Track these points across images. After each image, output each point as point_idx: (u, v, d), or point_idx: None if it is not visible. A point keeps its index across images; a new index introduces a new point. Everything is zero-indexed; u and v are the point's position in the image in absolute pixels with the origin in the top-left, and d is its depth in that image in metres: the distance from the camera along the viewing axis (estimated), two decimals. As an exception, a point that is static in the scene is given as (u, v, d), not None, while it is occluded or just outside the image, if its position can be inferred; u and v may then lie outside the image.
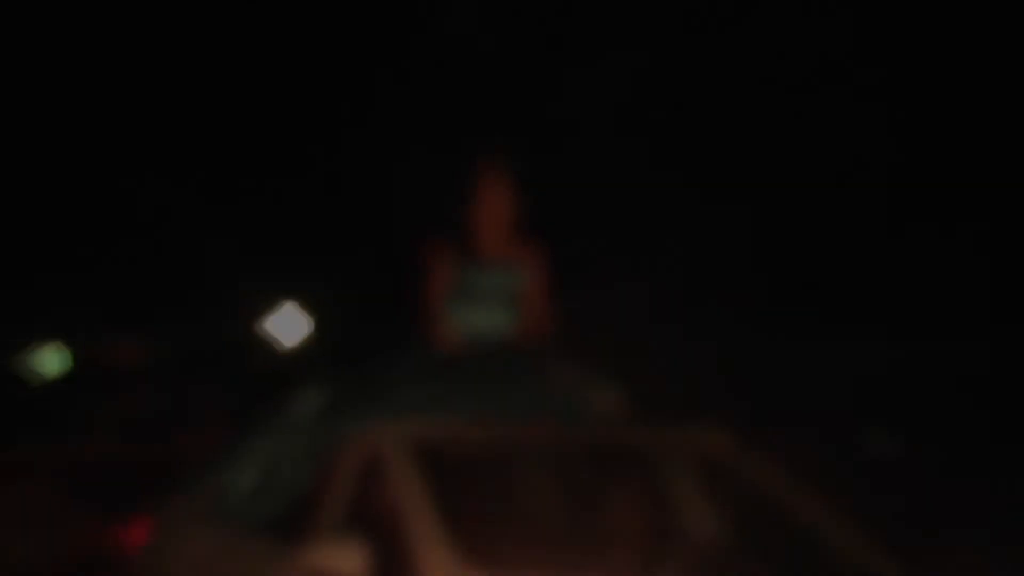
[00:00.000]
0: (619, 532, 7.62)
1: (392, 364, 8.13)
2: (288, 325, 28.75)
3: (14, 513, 16.71)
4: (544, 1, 22.12)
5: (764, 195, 19.69)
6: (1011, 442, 17.07)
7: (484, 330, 8.28)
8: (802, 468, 8.07)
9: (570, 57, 21.27)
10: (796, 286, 20.29)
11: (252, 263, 26.29)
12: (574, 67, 20.91)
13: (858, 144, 19.89)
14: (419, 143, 19.94)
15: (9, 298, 24.98)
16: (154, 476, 16.33)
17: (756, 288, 19.82)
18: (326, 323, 28.25)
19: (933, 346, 18.75)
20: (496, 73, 20.88)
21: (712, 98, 20.38)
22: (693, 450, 8.11)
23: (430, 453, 7.43)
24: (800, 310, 19.70)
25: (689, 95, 20.05)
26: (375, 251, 20.51)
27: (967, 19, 20.04)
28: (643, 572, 7.23)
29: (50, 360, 31.32)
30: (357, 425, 7.81)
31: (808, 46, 20.35)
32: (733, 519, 7.99)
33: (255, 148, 26.39)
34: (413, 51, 22.45)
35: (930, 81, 20.31)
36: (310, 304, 28.59)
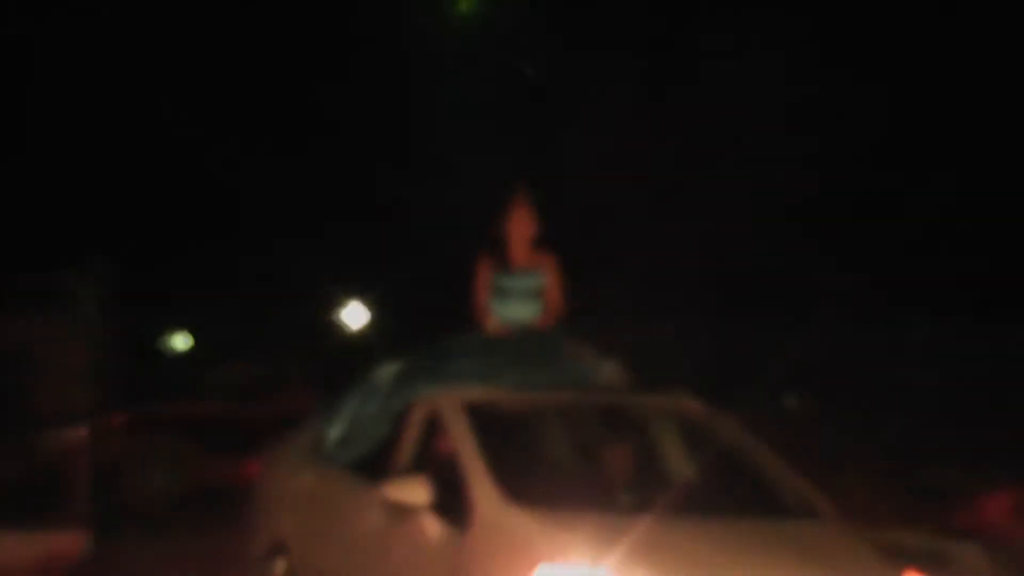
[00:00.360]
0: (619, 473, 7.54)
1: (450, 344, 8.09)
2: (354, 316, 28.84)
3: (151, 454, 16.64)
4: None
5: (716, 222, 19.99)
6: (877, 399, 17.74)
7: (516, 319, 8.24)
8: (744, 421, 8.04)
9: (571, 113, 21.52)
10: (739, 294, 20.61)
11: (332, 272, 26.34)
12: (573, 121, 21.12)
13: (780, 187, 20.17)
14: (466, 183, 19.80)
15: (152, 298, 24.78)
16: (253, 428, 16.41)
17: (712, 294, 20.08)
18: (382, 315, 28.30)
19: (827, 339, 19.06)
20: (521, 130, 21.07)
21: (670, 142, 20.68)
22: (673, 411, 8.02)
23: (477, 413, 7.36)
24: (739, 313, 19.94)
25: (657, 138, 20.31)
26: (435, 264, 20.29)
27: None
28: (636, 504, 7.10)
29: (178, 341, 31.54)
30: (423, 391, 7.76)
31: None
32: (704, 462, 7.87)
33: (343, 195, 26.56)
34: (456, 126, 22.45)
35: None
36: (371, 302, 28.71)
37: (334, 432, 8.26)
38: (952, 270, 21.52)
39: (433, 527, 6.98)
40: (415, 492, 7.02)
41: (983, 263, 21.56)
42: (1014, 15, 20.53)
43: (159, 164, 26.45)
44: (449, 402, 7.50)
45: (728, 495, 7.40)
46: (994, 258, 21.79)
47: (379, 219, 26.51)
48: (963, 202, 21.61)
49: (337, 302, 29.04)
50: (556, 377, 7.82)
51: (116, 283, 10.71)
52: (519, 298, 8.28)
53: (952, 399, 18.54)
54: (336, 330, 28.86)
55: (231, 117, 26.12)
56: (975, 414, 18.01)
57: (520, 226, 8.31)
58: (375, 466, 7.75)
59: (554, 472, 7.59)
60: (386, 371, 8.11)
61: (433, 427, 7.56)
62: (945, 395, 18.76)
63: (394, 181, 24.20)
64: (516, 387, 7.72)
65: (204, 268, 27.79)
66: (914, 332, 20.06)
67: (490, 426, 7.30)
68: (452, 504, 6.89)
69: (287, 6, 26.14)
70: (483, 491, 6.82)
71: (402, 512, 7.13)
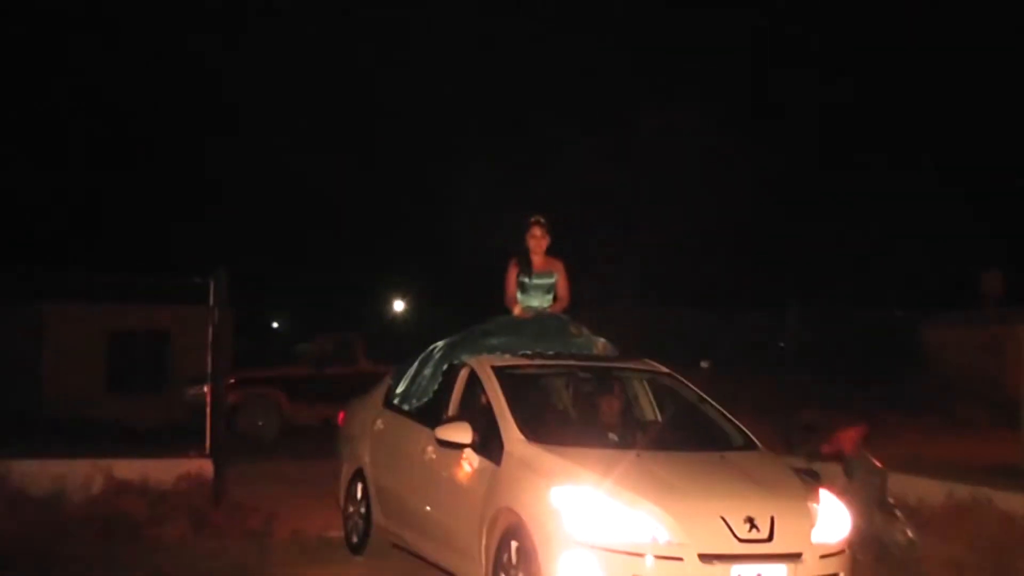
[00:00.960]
0: (608, 419, 7.11)
1: (487, 323, 7.69)
2: (399, 307, 28.89)
3: (256, 403, 16.32)
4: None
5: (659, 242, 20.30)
6: (765, 362, 17.33)
7: (535, 307, 7.89)
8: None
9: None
10: (673, 291, 20.81)
11: (385, 274, 26.45)
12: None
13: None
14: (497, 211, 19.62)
15: (258, 293, 24.66)
16: (328, 385, 16.09)
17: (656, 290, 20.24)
18: (421, 306, 28.27)
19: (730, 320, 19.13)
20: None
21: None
22: (647, 373, 7.59)
23: (504, 374, 6.97)
24: (672, 303, 20.03)
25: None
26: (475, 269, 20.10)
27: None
28: (621, 442, 6.76)
29: (276, 323, 31.46)
30: (465, 357, 7.37)
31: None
32: (669, 411, 7.51)
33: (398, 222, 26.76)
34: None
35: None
36: (412, 297, 28.77)
37: (400, 388, 7.88)
38: (816, 271, 21.96)
39: (474, 460, 6.63)
40: (461, 434, 6.67)
41: (840, 267, 22.05)
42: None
43: (273, 204, 26.49)
44: (483, 366, 7.11)
45: (688, 434, 7.03)
46: (847, 263, 22.35)
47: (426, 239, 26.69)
48: (826, 227, 22.07)
49: (388, 296, 29.06)
50: (563, 349, 7.45)
51: (235, 285, 10.36)
52: (537, 292, 7.98)
53: (817, 361, 18.57)
54: (387, 316, 28.81)
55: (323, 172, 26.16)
56: (834, 371, 18.05)
57: (537, 240, 8.02)
58: (430, 414, 7.38)
59: (561, 418, 7.19)
60: (439, 344, 7.73)
61: (473, 385, 7.16)
62: (812, 358, 18.76)
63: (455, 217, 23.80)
64: (534, 356, 7.31)
65: (294, 273, 27.81)
66: (789, 313, 20.22)
67: (514, 384, 6.94)
68: (488, 443, 6.56)
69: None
70: (510, 432, 6.50)
71: (451, 448, 6.76)
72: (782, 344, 20.00)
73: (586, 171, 21.50)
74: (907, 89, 26.59)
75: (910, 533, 7.79)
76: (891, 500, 8.00)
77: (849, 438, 8.24)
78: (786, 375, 17.65)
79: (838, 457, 8.28)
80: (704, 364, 17.63)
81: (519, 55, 25.50)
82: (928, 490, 9.10)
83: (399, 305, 29.35)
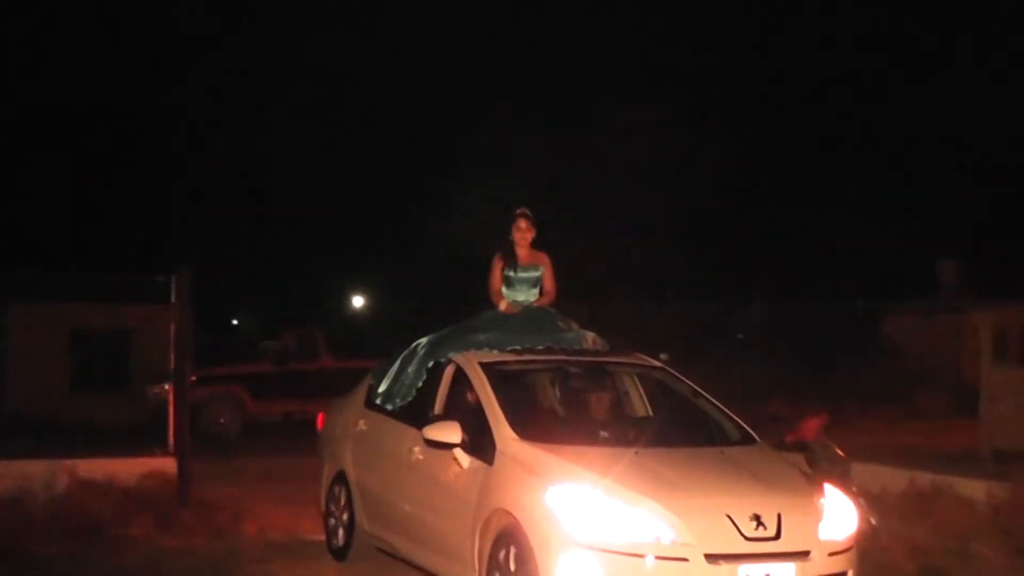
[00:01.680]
0: (598, 414, 6.76)
1: (473, 319, 7.31)
2: (359, 303, 28.58)
3: (220, 400, 15.90)
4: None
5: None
6: (730, 354, 17.60)
7: (521, 301, 7.49)
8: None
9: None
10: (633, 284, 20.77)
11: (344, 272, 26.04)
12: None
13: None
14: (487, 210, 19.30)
15: (220, 291, 24.19)
16: (290, 381, 15.70)
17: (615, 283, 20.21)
18: (381, 303, 27.95)
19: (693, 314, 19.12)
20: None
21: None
22: (637, 368, 7.27)
23: (493, 370, 6.63)
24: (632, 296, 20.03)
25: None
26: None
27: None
28: (612, 437, 6.43)
29: (238, 320, 30.96)
30: (451, 354, 6.97)
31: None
32: (658, 405, 7.22)
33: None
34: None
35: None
36: (372, 294, 28.51)
37: (382, 387, 7.45)
38: (777, 264, 22.09)
39: (464, 460, 6.25)
40: (450, 433, 6.27)
41: (801, 259, 22.23)
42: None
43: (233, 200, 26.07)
44: (471, 362, 6.73)
45: (685, 430, 6.70)
46: (809, 256, 22.52)
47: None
48: (787, 220, 22.25)
49: (348, 291, 28.70)
50: (552, 343, 7.07)
51: (197, 282, 9.98)
52: (523, 286, 7.56)
53: (780, 352, 18.64)
54: (347, 313, 28.46)
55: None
56: (796, 362, 18.09)
57: (523, 233, 7.62)
58: (415, 413, 6.98)
59: (550, 415, 6.81)
60: (422, 341, 7.32)
61: (460, 382, 6.80)
62: (775, 350, 18.83)
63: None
64: (522, 351, 6.93)
65: (257, 271, 27.36)
66: (752, 310, 20.23)
67: (502, 381, 6.58)
68: (478, 442, 6.20)
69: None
70: (502, 431, 6.14)
71: (439, 448, 6.36)
72: (740, 335, 20.14)
73: (546, 164, 21.39)
74: (863, 79, 26.71)
75: (873, 520, 7.68)
76: (854, 488, 7.82)
77: (812, 427, 8.11)
78: (749, 367, 17.68)
79: (802, 446, 8.09)
80: (663, 356, 17.59)
81: (483, 47, 25.26)
82: (890, 478, 9.03)
83: (359, 301, 28.97)
